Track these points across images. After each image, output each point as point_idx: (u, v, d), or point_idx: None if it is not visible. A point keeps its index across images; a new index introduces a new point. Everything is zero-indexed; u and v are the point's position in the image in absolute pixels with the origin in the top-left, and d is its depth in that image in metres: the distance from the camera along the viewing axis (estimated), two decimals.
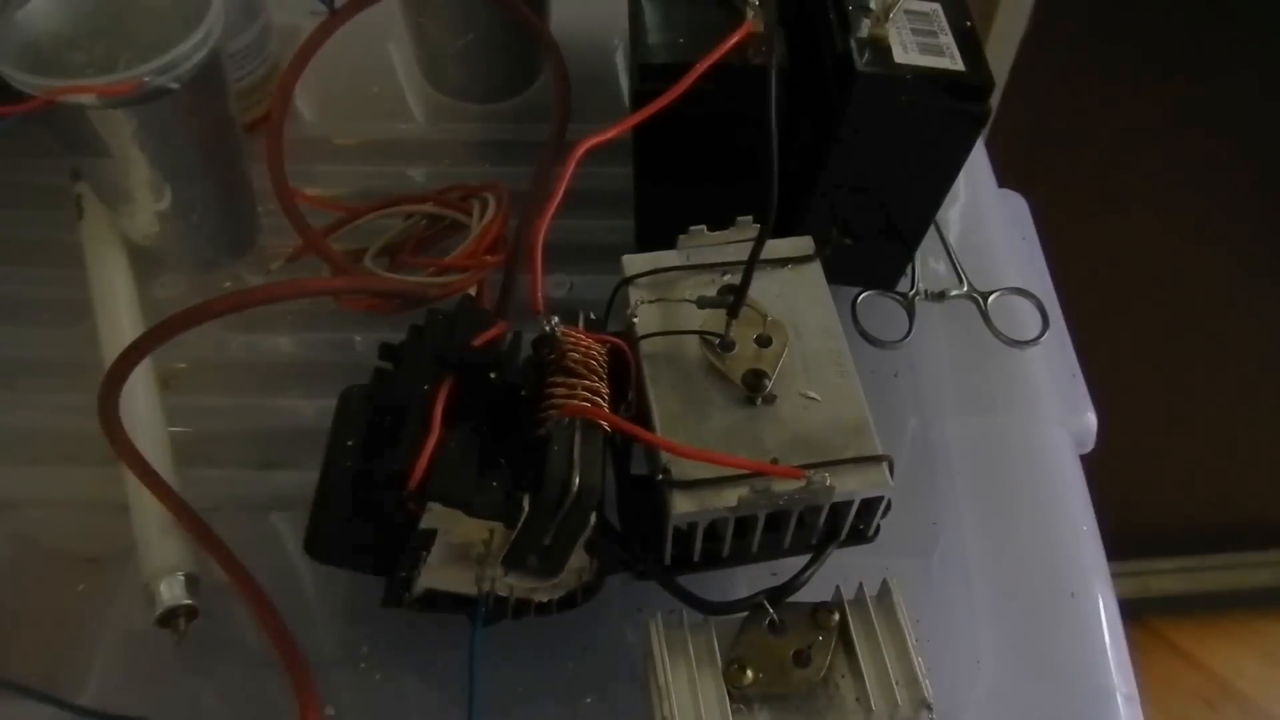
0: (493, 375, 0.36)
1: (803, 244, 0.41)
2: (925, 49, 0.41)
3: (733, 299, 0.38)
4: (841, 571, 0.36)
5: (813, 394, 0.37)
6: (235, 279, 0.52)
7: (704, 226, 0.41)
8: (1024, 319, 0.53)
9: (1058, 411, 0.50)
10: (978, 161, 0.60)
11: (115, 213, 0.49)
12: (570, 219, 0.43)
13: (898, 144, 0.44)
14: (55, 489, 0.45)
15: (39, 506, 0.45)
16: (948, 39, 0.42)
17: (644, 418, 0.37)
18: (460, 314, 0.37)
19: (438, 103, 0.62)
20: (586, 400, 0.35)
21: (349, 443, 0.37)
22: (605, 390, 0.36)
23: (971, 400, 0.50)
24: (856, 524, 0.37)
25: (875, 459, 0.35)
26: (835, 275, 0.41)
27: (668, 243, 0.41)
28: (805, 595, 0.36)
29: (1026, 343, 0.51)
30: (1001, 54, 0.92)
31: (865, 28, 0.42)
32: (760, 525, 0.35)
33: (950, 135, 0.43)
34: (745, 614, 0.35)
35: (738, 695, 0.34)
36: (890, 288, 0.52)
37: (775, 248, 0.40)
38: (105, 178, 0.47)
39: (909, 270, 0.52)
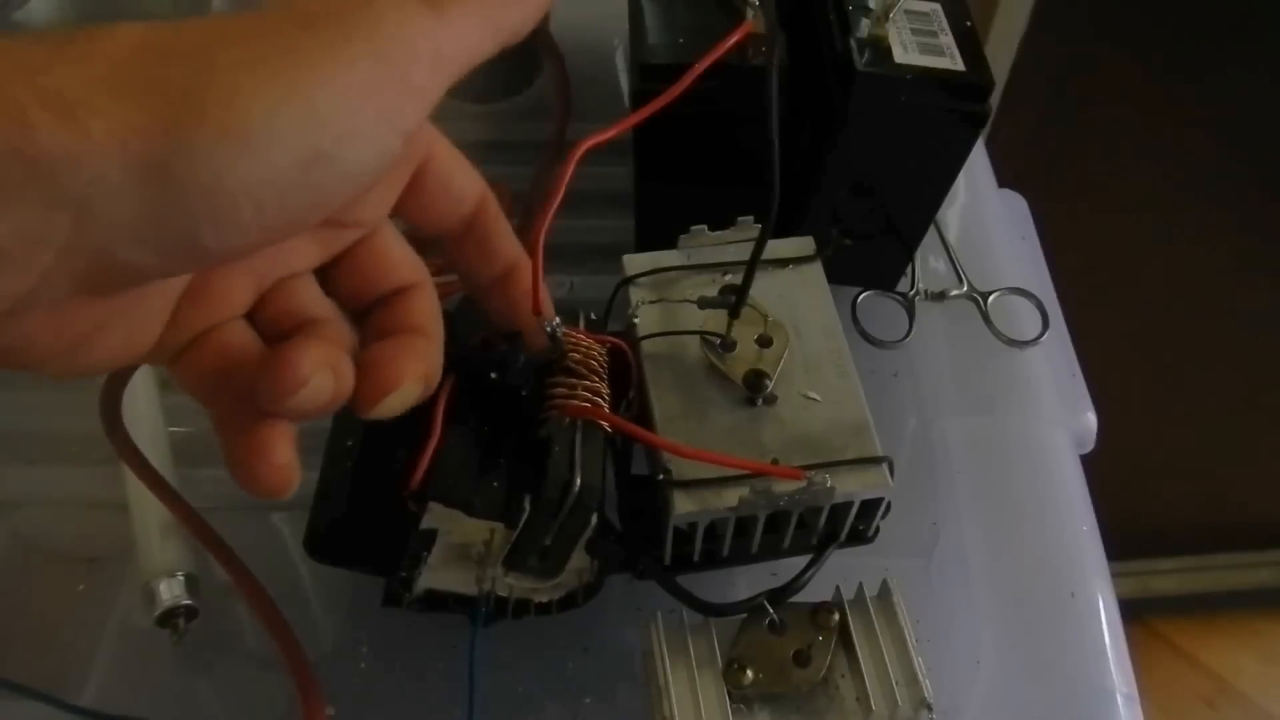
0: (493, 375, 0.36)
1: (803, 244, 0.41)
2: (925, 49, 0.41)
3: (734, 299, 0.37)
4: (841, 571, 0.36)
5: (813, 394, 0.37)
6: None
7: (704, 226, 0.41)
8: (1024, 319, 0.53)
9: (1058, 411, 0.50)
10: (978, 161, 0.60)
11: None
12: (570, 219, 0.42)
13: (898, 144, 0.44)
14: (55, 489, 0.45)
15: (39, 506, 0.45)
16: (948, 39, 0.42)
17: (644, 418, 0.37)
18: (460, 314, 0.37)
19: (438, 103, 0.62)
20: (587, 401, 0.34)
21: (349, 443, 0.37)
22: (606, 390, 0.36)
23: (971, 400, 0.50)
24: (856, 525, 0.37)
25: (875, 460, 0.35)
26: (835, 275, 0.41)
27: (668, 243, 0.41)
28: (805, 595, 0.36)
29: (1026, 343, 0.51)
30: (1001, 54, 0.92)
31: (865, 28, 0.42)
32: (760, 526, 0.35)
33: (950, 135, 0.43)
34: (745, 614, 0.35)
35: (738, 695, 0.34)
36: (890, 288, 0.52)
37: (776, 248, 0.40)
38: None
39: (909, 270, 0.52)
